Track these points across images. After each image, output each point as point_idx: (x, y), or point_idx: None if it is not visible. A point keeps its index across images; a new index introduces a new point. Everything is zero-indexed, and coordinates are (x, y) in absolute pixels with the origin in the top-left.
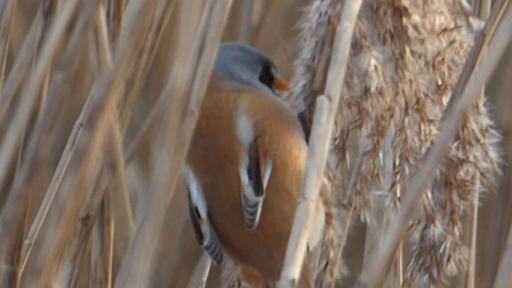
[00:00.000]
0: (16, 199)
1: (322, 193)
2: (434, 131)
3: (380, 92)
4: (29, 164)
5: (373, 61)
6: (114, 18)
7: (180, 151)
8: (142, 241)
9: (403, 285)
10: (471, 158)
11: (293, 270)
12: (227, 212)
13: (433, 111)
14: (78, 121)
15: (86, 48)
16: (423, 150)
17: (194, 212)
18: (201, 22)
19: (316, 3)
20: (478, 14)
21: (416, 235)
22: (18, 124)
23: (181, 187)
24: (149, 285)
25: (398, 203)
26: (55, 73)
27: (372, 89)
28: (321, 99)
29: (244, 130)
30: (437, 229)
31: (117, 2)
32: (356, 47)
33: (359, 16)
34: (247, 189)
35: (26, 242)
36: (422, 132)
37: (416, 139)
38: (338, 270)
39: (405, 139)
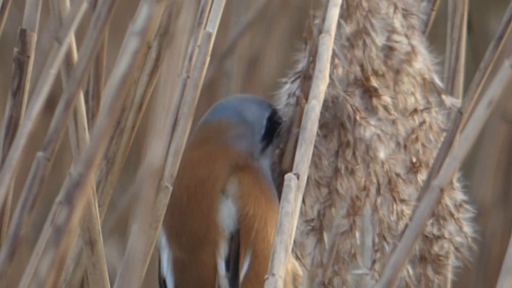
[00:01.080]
0: None
1: (295, 278)
2: (407, 211)
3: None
4: (10, 242)
5: (374, 130)
6: (94, 96)
7: (155, 227)
8: None
9: None
10: (445, 234)
11: None
12: None
13: (406, 191)
14: (58, 199)
15: (65, 125)
16: (399, 228)
17: (161, 284)
18: (175, 98)
19: (287, 86)
20: (451, 91)
21: None
22: None
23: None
24: None
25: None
26: (37, 152)
27: (381, 156)
28: (289, 177)
29: (227, 217)
30: None
31: (96, 80)
32: (352, 121)
33: (349, 93)
34: (223, 280)
35: None
36: (395, 212)
37: (391, 218)
38: None
39: (381, 218)
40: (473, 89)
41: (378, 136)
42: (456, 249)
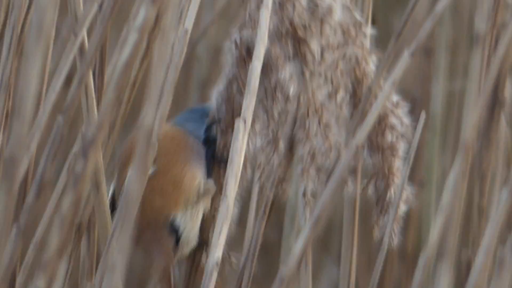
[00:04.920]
0: (28, 210)
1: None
2: (330, 134)
3: (287, 100)
4: (38, 183)
5: (288, 73)
6: (99, 75)
7: (145, 173)
8: (117, 242)
9: None
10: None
11: (218, 252)
12: None
13: (328, 118)
14: (72, 151)
15: (78, 96)
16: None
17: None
18: (160, 78)
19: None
20: (366, 23)
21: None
22: (29, 154)
23: None
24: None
25: (310, 200)
26: (57, 116)
27: (291, 92)
28: (238, 121)
29: None
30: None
31: (101, 64)
32: (271, 67)
33: (273, 43)
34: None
35: (32, 241)
36: (319, 134)
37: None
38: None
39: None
40: (379, 72)
41: (291, 77)
42: (402, 135)
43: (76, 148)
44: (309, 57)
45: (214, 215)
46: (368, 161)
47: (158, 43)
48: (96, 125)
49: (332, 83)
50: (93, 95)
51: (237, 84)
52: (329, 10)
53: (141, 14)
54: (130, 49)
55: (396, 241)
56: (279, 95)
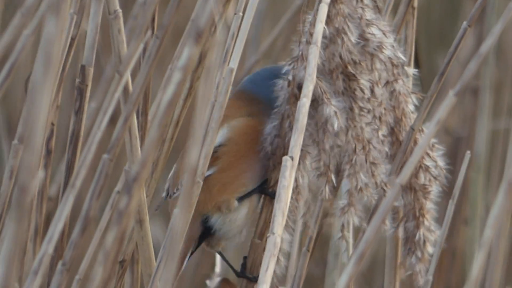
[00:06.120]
0: (73, 246)
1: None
2: (376, 172)
3: (336, 134)
4: (83, 220)
5: (333, 108)
6: (142, 114)
7: (189, 211)
8: (161, 279)
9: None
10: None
11: (265, 287)
12: None
13: (375, 155)
14: (116, 189)
15: (123, 135)
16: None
17: None
18: (204, 117)
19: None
20: (409, 63)
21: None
22: (74, 191)
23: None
24: None
25: (346, 235)
26: (103, 155)
27: (335, 127)
28: (286, 159)
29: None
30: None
31: (145, 102)
32: (318, 101)
33: (318, 77)
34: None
35: (76, 277)
36: (365, 170)
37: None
38: None
39: (355, 172)
40: (422, 111)
41: (335, 113)
42: (434, 178)
43: (119, 185)
44: (358, 93)
45: (264, 248)
46: (400, 201)
47: (202, 82)
48: (139, 163)
49: (380, 120)
50: (137, 134)
51: (289, 121)
52: (380, 45)
53: (185, 54)
54: (173, 89)
55: (422, 282)
56: (330, 128)
